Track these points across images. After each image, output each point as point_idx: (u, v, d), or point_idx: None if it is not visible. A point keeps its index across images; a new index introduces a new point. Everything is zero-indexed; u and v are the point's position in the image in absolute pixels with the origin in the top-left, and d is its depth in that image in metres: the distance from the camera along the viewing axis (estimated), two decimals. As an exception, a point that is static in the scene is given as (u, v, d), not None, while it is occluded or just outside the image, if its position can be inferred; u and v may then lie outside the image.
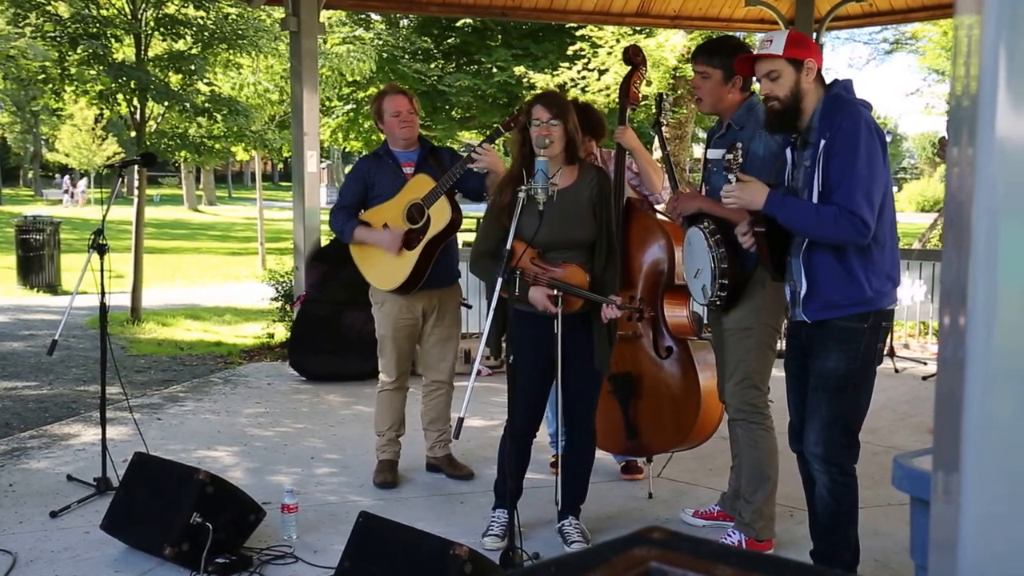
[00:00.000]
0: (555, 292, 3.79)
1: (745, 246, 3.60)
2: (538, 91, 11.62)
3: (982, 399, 1.06)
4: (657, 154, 11.18)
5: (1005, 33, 1.01)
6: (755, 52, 3.57)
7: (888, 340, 3.55)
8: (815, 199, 3.30)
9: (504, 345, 3.96)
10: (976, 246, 1.04)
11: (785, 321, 3.81)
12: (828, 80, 3.48)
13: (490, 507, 4.27)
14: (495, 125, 4.66)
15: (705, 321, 4.54)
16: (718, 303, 3.85)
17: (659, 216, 4.60)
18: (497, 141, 4.91)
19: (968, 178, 1.05)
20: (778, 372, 4.00)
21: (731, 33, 10.16)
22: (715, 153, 3.92)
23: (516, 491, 3.92)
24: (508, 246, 3.61)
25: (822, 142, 3.27)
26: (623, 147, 4.54)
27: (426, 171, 4.76)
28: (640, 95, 4.66)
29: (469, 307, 5.86)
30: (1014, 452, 1.06)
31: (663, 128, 4.75)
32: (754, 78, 3.68)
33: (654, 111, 4.98)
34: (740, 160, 3.42)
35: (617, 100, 4.77)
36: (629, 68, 4.65)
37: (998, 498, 1.06)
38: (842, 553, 3.52)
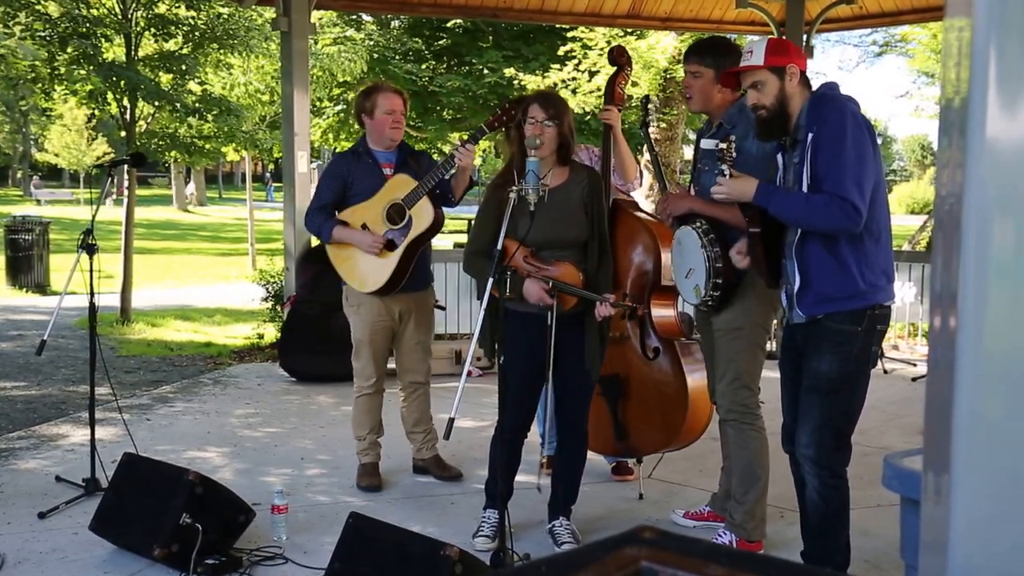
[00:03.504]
0: (549, 285, 3.79)
1: (739, 266, 3.63)
2: (529, 92, 11.60)
3: (972, 400, 1.06)
4: (646, 156, 11.18)
5: (995, 35, 1.01)
6: (738, 65, 3.61)
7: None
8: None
9: (496, 346, 3.95)
10: (966, 248, 1.04)
11: (776, 322, 3.82)
12: (815, 85, 3.51)
13: (480, 508, 4.27)
14: (480, 125, 4.63)
15: (694, 322, 4.55)
16: (711, 303, 3.85)
17: (645, 216, 4.60)
18: (481, 141, 4.86)
19: (958, 180, 1.06)
20: (770, 372, 4.01)
21: (722, 34, 10.17)
22: (708, 143, 3.92)
23: (507, 491, 3.92)
24: (499, 246, 3.61)
25: (809, 136, 3.30)
26: (610, 130, 4.55)
27: (407, 172, 4.68)
28: (625, 95, 4.67)
29: (443, 309, 5.85)
30: (1004, 453, 1.07)
31: (650, 129, 4.76)
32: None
33: (641, 113, 4.99)
34: (733, 153, 3.44)
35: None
36: (615, 69, 4.66)
37: (988, 499, 1.07)
38: (833, 555, 3.53)
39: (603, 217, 4.03)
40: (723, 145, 3.44)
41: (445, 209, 4.74)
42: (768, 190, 3.40)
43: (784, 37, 7.96)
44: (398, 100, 4.76)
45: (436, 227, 4.65)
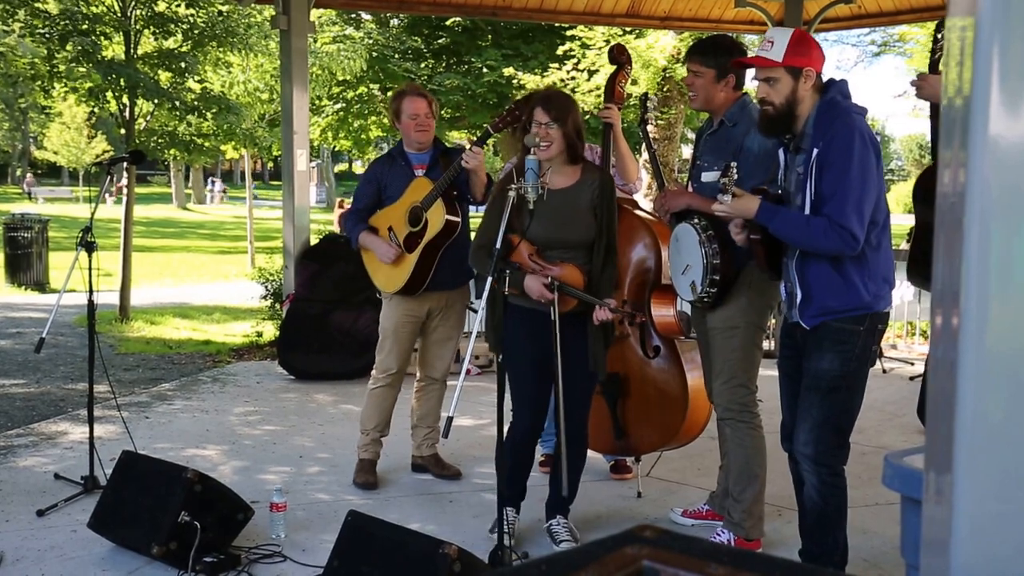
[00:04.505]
0: (549, 280, 3.78)
1: (738, 242, 3.59)
2: (527, 92, 11.56)
3: (974, 400, 1.06)
4: (644, 155, 11.18)
5: (998, 35, 1.01)
6: (756, 51, 3.55)
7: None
8: (807, 209, 3.30)
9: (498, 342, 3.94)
10: (968, 247, 1.04)
11: (772, 321, 3.81)
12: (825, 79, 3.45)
13: (479, 506, 4.26)
14: (485, 126, 4.64)
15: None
16: (706, 299, 3.84)
17: (645, 214, 4.59)
18: (488, 142, 4.89)
19: (960, 179, 1.06)
20: (768, 371, 4.00)
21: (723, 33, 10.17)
22: (709, 177, 3.92)
23: (519, 493, 3.95)
24: (497, 245, 3.61)
25: (815, 151, 3.26)
26: (610, 129, 4.55)
27: (436, 173, 4.73)
28: (625, 94, 4.66)
29: (475, 312, 5.85)
30: (1006, 452, 1.07)
31: (649, 127, 4.76)
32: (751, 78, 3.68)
33: (640, 111, 4.98)
34: (736, 177, 3.40)
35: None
36: (614, 67, 4.65)
37: (991, 498, 1.07)
38: (831, 553, 3.53)
39: (613, 219, 4.01)
40: (724, 180, 3.41)
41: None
42: (770, 211, 3.36)
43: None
44: (422, 103, 4.83)
45: (450, 229, 4.67)
